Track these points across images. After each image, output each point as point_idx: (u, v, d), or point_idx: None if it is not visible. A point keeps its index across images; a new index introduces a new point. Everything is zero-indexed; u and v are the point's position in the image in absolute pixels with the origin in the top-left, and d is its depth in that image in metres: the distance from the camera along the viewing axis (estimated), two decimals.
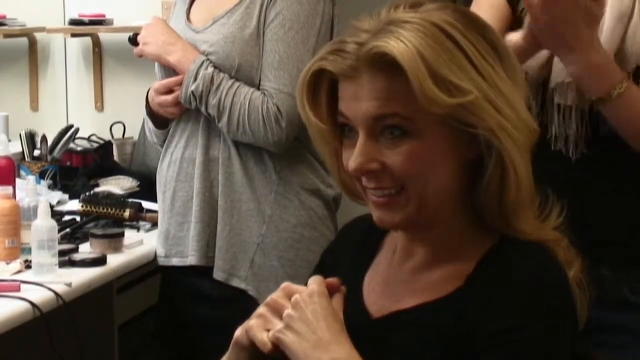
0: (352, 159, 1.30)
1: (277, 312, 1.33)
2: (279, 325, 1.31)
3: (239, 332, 1.37)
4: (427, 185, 1.30)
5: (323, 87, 1.35)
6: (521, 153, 1.29)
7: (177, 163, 2.47)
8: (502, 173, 1.29)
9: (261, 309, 1.35)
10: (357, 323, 1.34)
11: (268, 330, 1.32)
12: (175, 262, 2.49)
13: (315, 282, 1.34)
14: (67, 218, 2.89)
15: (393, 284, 1.38)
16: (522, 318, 1.25)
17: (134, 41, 2.51)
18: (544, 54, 1.79)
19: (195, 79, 2.36)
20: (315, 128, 1.37)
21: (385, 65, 1.27)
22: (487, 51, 1.29)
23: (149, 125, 2.56)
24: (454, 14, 1.30)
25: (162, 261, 2.53)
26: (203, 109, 2.38)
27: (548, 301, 1.27)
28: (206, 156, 2.41)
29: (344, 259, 1.48)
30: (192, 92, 2.36)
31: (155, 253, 2.57)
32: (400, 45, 1.25)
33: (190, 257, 2.43)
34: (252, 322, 1.34)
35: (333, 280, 1.37)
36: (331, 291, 1.35)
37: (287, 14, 2.34)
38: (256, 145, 2.38)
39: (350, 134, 1.32)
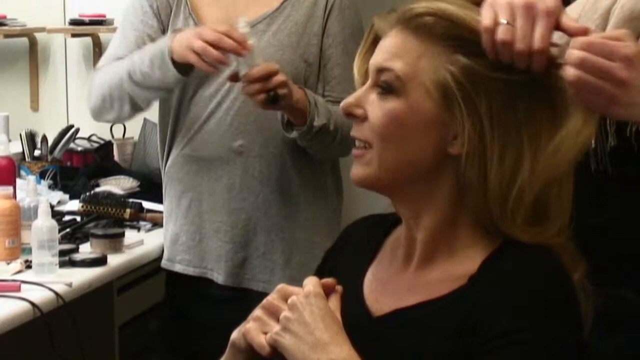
0: (345, 99, 1.35)
1: (273, 314, 1.32)
2: (275, 327, 1.30)
3: (235, 335, 1.36)
4: (395, 150, 1.31)
5: None
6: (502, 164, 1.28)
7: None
8: (478, 176, 1.29)
9: (257, 311, 1.34)
10: (358, 322, 1.34)
11: (265, 333, 1.31)
12: (179, 268, 2.49)
13: (311, 283, 1.33)
14: (67, 218, 2.89)
15: (394, 282, 1.37)
16: (523, 320, 1.24)
17: (276, 99, 2.23)
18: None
19: (318, 111, 2.29)
20: (358, 84, 1.40)
21: (414, 28, 1.30)
22: None
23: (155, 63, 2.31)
24: None
25: (165, 264, 2.53)
26: (320, 137, 2.32)
27: (551, 304, 1.26)
28: (245, 190, 2.41)
29: (346, 259, 1.48)
30: (322, 125, 2.30)
31: (157, 253, 2.58)
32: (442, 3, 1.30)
33: (216, 275, 2.43)
34: (249, 325, 1.34)
35: (329, 280, 1.36)
36: (327, 291, 1.34)
37: (350, 44, 2.35)
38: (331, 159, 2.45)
39: None
